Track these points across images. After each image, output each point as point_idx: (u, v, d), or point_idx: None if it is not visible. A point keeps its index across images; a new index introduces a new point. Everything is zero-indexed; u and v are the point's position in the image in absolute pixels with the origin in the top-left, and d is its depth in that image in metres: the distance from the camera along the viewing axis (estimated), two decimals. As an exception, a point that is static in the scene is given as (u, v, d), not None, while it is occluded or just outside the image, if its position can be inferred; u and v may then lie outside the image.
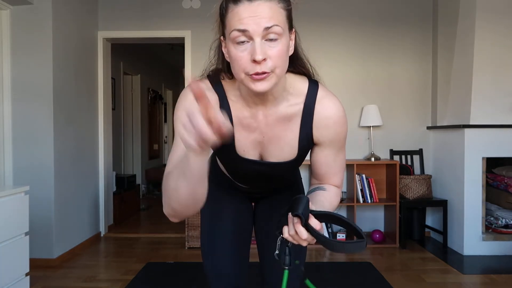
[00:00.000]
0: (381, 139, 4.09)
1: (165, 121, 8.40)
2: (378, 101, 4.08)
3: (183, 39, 4.13)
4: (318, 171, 1.13)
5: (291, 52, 0.99)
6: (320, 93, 1.07)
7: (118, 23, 4.10)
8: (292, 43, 0.99)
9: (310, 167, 1.18)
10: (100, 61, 4.10)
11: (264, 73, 0.89)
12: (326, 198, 1.08)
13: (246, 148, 1.09)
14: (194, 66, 4.10)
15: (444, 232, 3.62)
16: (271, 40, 0.89)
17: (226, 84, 1.06)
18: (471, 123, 3.39)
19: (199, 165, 0.79)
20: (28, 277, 2.26)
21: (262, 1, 0.88)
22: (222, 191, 1.32)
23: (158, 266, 3.13)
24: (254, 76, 0.89)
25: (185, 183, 0.83)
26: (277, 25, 0.89)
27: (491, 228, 3.50)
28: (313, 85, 1.07)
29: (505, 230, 3.43)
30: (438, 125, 3.93)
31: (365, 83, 4.09)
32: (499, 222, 3.48)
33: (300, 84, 1.06)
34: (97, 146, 4.07)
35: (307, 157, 1.17)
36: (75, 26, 3.61)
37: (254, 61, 0.88)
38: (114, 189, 4.57)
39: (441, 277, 2.90)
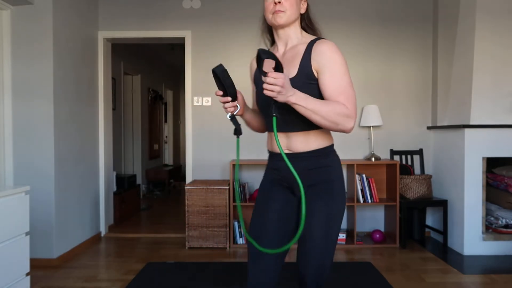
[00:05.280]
0: (381, 139, 4.09)
1: (166, 121, 8.40)
2: (378, 101, 4.09)
3: (183, 39, 4.14)
4: (325, 94, 1.39)
5: (302, 10, 1.52)
6: (321, 39, 1.45)
7: (118, 23, 4.10)
8: (303, 6, 1.53)
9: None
10: (101, 61, 4.10)
11: (280, 11, 1.44)
12: (323, 100, 1.36)
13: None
14: (194, 66, 4.10)
15: (444, 232, 3.62)
16: None
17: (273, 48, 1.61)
18: (471, 123, 3.39)
19: (244, 117, 1.58)
20: (29, 277, 2.26)
21: None
22: (270, 187, 1.57)
23: (158, 266, 3.13)
24: (274, 13, 1.45)
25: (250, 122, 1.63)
26: None
27: (491, 228, 3.50)
28: (319, 37, 1.48)
29: (505, 230, 3.43)
30: (438, 125, 3.93)
31: (365, 83, 4.09)
32: (499, 222, 3.48)
33: (310, 36, 1.51)
34: (98, 146, 4.07)
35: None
36: (76, 26, 3.61)
37: (275, 4, 1.45)
38: (115, 189, 4.57)
39: (441, 277, 2.90)
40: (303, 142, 1.45)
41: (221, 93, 1.38)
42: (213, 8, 4.09)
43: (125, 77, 6.25)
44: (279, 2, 1.43)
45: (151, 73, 7.21)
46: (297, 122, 1.42)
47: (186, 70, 4.10)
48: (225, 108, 1.41)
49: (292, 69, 1.42)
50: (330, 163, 1.49)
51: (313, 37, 1.48)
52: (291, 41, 1.50)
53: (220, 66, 1.32)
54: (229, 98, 1.38)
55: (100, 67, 4.10)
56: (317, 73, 1.39)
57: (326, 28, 4.02)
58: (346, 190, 3.97)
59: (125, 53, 5.88)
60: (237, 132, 1.41)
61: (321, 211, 1.44)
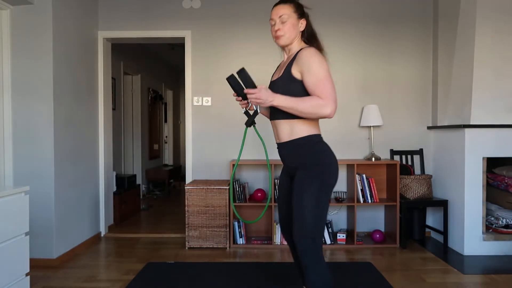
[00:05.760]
0: (381, 139, 4.09)
1: (165, 121, 8.40)
2: (378, 101, 4.08)
3: (183, 39, 4.14)
4: (308, 90, 1.73)
5: (302, 28, 1.86)
6: (306, 47, 1.79)
7: (118, 23, 4.10)
8: (301, 25, 1.86)
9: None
10: (100, 61, 4.10)
11: (279, 35, 1.84)
12: (301, 98, 1.72)
13: (275, 75, 1.94)
14: (194, 66, 4.10)
15: (444, 232, 3.62)
16: (283, 22, 1.83)
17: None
18: (472, 123, 3.39)
19: (260, 110, 1.96)
20: (28, 277, 2.26)
21: (278, 7, 1.86)
22: (281, 173, 2.04)
23: (158, 266, 3.13)
24: (276, 37, 1.86)
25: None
26: (282, 14, 1.82)
27: (491, 228, 3.50)
28: (308, 46, 1.81)
29: (505, 230, 3.43)
30: (438, 125, 3.93)
31: (365, 83, 4.09)
32: (500, 222, 3.48)
33: (304, 45, 1.85)
34: (97, 146, 4.07)
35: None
36: (75, 26, 3.61)
37: (275, 31, 1.85)
38: (115, 189, 4.57)
39: (441, 277, 2.90)
40: (287, 133, 1.82)
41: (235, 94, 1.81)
42: (213, 8, 4.09)
43: (125, 77, 6.25)
44: (279, 29, 1.83)
45: (151, 73, 7.21)
46: (281, 111, 1.80)
47: (186, 70, 4.10)
48: (240, 105, 1.86)
49: (281, 71, 1.85)
50: (315, 149, 1.79)
51: (304, 46, 1.83)
52: (291, 51, 1.88)
53: (232, 76, 1.72)
54: (240, 98, 1.81)
55: (100, 67, 4.10)
56: (300, 74, 1.74)
57: (326, 27, 4.05)
58: (346, 190, 3.97)
59: (125, 53, 5.88)
60: (248, 122, 1.84)
61: (303, 190, 1.74)
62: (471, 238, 3.42)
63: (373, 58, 4.08)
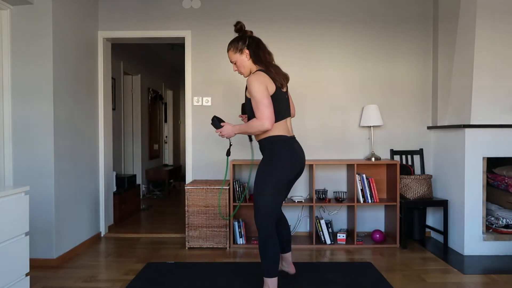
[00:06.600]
0: (381, 139, 4.09)
1: (165, 121, 8.39)
2: (378, 101, 4.08)
3: (183, 39, 4.13)
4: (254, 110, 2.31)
5: (247, 58, 2.40)
6: (251, 74, 2.31)
7: (118, 23, 4.10)
8: (246, 55, 2.40)
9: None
10: (100, 61, 4.10)
11: (241, 74, 2.49)
12: (248, 122, 2.34)
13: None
14: (194, 66, 4.10)
15: (444, 232, 3.62)
16: (235, 64, 2.46)
17: None
18: (472, 123, 3.39)
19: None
20: (28, 277, 2.25)
21: (228, 53, 2.46)
22: None
23: (158, 266, 3.13)
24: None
25: None
26: (232, 60, 2.45)
27: (491, 228, 3.49)
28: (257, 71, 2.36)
29: (505, 230, 3.43)
30: (438, 125, 3.93)
31: (365, 83, 4.08)
32: (500, 222, 3.48)
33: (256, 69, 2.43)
34: (97, 146, 4.07)
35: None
36: (75, 26, 3.61)
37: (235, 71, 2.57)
38: (114, 189, 4.57)
39: (441, 277, 2.90)
40: (259, 135, 2.41)
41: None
42: (213, 8, 4.09)
43: (125, 77, 6.25)
44: (236, 70, 2.48)
45: (151, 73, 7.20)
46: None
47: (186, 70, 4.09)
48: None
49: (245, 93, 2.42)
50: (271, 146, 2.36)
51: (256, 69, 2.39)
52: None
53: (214, 119, 2.44)
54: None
55: (100, 67, 4.10)
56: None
57: (327, 28, 4.05)
58: (346, 190, 3.97)
59: (125, 53, 5.87)
60: (227, 153, 2.60)
61: (257, 172, 2.40)
62: (471, 238, 3.42)
63: (373, 58, 4.08)
